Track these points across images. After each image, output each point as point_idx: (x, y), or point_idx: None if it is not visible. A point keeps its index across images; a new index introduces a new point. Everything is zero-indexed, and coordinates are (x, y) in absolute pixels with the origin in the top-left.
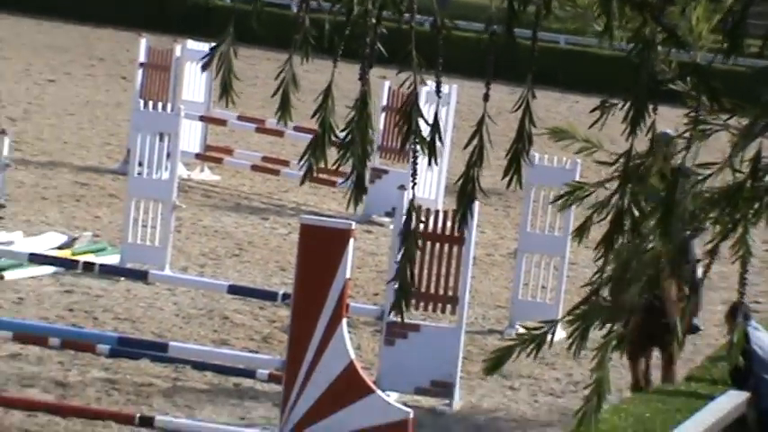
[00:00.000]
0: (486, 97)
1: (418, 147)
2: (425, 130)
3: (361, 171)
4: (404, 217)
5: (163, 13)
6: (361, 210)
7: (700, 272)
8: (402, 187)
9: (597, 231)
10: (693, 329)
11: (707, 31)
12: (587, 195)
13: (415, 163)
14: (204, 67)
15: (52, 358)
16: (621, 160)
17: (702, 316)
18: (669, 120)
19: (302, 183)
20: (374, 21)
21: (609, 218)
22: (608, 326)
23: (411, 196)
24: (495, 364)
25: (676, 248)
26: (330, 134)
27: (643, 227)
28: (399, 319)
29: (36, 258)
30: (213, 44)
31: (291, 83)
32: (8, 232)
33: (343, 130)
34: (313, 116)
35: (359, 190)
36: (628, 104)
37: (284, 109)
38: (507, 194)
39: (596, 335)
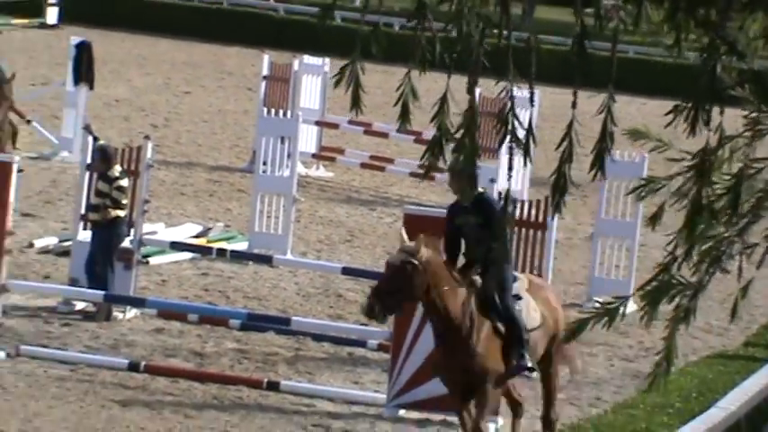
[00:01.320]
0: (573, 105)
1: (514, 145)
2: (519, 132)
3: (472, 171)
4: (500, 205)
5: (282, 32)
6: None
7: (519, 304)
8: (492, 180)
9: (667, 217)
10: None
11: (762, 42)
12: (660, 188)
13: (511, 159)
14: (336, 84)
15: (191, 332)
16: (697, 157)
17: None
18: (731, 119)
19: (424, 177)
20: (478, 39)
21: (688, 206)
22: (676, 300)
23: (507, 188)
24: (572, 333)
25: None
26: (446, 136)
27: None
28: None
29: (176, 246)
30: (344, 63)
31: (410, 94)
32: (152, 224)
33: (455, 133)
34: (431, 121)
35: (472, 186)
36: (688, 106)
37: (404, 116)
38: (584, 185)
39: (665, 307)
